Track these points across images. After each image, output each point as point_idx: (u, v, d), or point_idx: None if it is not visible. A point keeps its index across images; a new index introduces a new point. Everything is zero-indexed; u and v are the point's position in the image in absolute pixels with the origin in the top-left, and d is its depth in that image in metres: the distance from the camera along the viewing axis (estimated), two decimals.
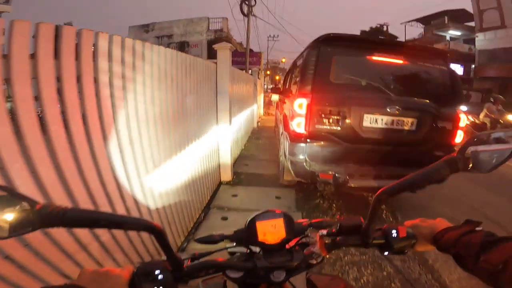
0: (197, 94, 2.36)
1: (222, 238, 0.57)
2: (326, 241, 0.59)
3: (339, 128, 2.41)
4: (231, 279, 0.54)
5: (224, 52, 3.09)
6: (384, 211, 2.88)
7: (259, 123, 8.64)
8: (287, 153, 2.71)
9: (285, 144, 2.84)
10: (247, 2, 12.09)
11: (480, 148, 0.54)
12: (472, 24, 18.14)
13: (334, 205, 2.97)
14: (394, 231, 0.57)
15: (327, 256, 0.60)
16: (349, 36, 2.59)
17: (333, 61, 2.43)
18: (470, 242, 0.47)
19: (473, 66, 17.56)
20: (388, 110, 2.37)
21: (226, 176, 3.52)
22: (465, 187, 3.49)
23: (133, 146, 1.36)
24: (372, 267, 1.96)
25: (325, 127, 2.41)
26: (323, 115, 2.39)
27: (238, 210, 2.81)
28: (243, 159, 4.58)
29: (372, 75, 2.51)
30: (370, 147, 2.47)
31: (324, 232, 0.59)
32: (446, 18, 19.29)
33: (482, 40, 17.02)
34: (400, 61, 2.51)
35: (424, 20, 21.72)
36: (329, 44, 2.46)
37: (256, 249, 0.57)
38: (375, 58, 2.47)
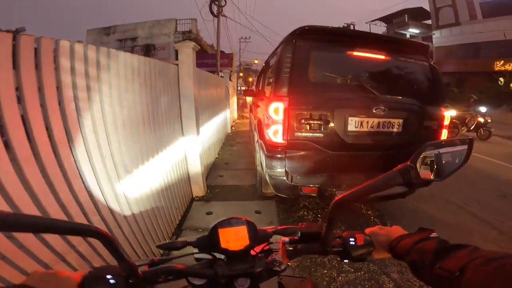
0: (152, 102, 1.97)
1: (185, 244, 0.57)
2: (288, 249, 0.60)
3: (321, 135, 2.14)
4: (194, 286, 0.55)
5: (186, 51, 2.65)
6: (372, 217, 2.74)
7: (233, 128, 8.30)
8: (264, 166, 2.41)
9: (261, 155, 2.53)
10: (216, 2, 11.73)
11: (434, 152, 0.57)
12: (429, 22, 19.52)
13: (319, 215, 2.76)
14: (352, 239, 0.58)
15: (289, 263, 0.59)
16: (328, 28, 2.27)
17: (312, 57, 2.15)
18: (424, 249, 0.47)
19: (431, 62, 18.86)
20: (374, 111, 2.15)
21: (199, 190, 3.15)
22: (446, 185, 3.46)
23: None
24: (370, 284, 1.82)
25: (306, 134, 2.13)
26: (303, 121, 2.10)
27: None
28: (217, 170, 4.21)
29: (355, 72, 2.29)
30: (357, 153, 2.24)
31: (287, 239, 0.60)
32: (406, 16, 20.52)
33: (438, 38, 18.40)
34: (383, 56, 2.31)
35: (386, 19, 23.00)
36: (306, 38, 2.17)
37: (221, 256, 0.57)
38: (357, 53, 2.23)
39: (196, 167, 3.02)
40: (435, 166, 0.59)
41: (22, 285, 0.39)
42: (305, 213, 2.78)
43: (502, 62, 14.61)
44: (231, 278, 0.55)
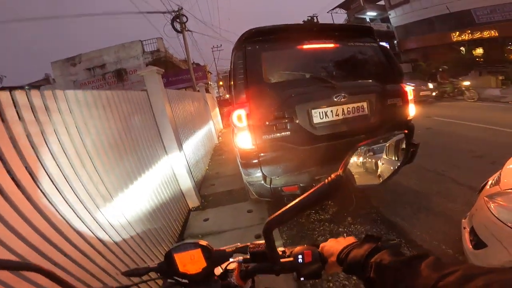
0: (130, 130, 2.13)
1: (148, 270, 0.58)
2: (242, 269, 0.58)
3: (289, 133, 2.14)
4: None
5: (151, 77, 2.82)
6: (357, 197, 2.89)
7: (220, 138, 8.42)
8: (242, 174, 2.43)
9: (238, 163, 2.55)
10: (178, 20, 11.85)
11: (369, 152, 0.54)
12: (383, 3, 20.38)
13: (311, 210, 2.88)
14: (300, 256, 0.55)
15: (243, 284, 0.58)
16: (274, 27, 2.28)
17: (263, 58, 2.17)
18: (380, 265, 0.41)
19: (395, 41, 19.77)
20: (335, 99, 2.17)
21: (193, 202, 3.33)
22: (424, 153, 3.37)
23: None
24: None
25: (274, 135, 2.12)
26: (267, 123, 2.10)
27: (212, 233, 2.67)
28: (208, 180, 4.39)
29: (308, 65, 2.31)
30: (329, 143, 2.20)
31: (241, 259, 0.59)
32: (361, 0, 21.17)
33: (394, 17, 19.30)
34: (332, 45, 2.36)
35: (345, 6, 23.59)
36: (254, 41, 2.20)
37: (186, 280, 0.57)
38: (306, 46, 2.27)
39: (186, 181, 3.18)
40: (374, 168, 0.57)
41: None
42: None
43: (457, 33, 15.51)
44: None
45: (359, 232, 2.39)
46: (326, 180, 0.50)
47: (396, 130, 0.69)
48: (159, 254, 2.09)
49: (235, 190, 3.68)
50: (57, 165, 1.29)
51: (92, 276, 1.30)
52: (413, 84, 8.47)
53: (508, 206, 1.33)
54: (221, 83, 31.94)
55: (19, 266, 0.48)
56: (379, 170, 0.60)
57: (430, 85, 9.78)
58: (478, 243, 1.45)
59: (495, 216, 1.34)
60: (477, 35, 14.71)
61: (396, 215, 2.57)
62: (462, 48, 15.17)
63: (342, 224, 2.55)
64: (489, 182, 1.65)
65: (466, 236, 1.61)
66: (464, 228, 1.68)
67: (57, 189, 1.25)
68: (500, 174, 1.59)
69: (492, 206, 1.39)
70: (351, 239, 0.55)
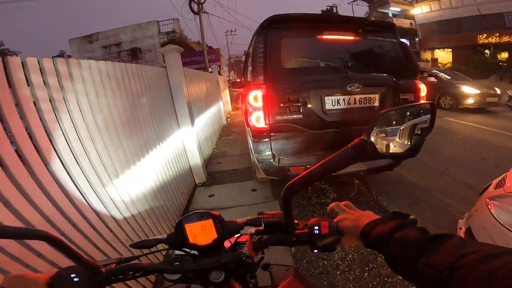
0: (148, 102, 2.25)
1: (156, 242, 0.57)
2: (254, 240, 0.57)
3: (301, 116, 2.24)
4: (169, 281, 0.55)
5: (171, 55, 2.93)
6: (360, 186, 3.00)
7: (228, 119, 8.56)
8: (252, 151, 2.54)
9: (249, 141, 2.67)
10: (196, 0, 11.74)
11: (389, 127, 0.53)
12: None
13: (311, 189, 3.00)
14: (316, 228, 0.55)
15: (256, 255, 0.58)
16: (296, 15, 2.35)
17: (283, 44, 2.26)
18: (404, 240, 0.41)
19: (417, 39, 19.07)
20: (349, 89, 2.26)
21: (200, 177, 3.46)
22: (425, 148, 3.48)
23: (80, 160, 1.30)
24: None
25: (286, 117, 2.23)
26: (282, 105, 2.21)
27: (217, 209, 2.77)
28: (215, 158, 4.52)
29: (326, 54, 2.39)
30: (338, 130, 2.31)
31: (253, 231, 0.58)
32: None
33: (419, 14, 18.51)
34: (352, 37, 2.42)
35: None
36: (276, 27, 2.28)
37: (195, 251, 0.57)
38: (326, 36, 2.35)
39: (195, 156, 3.31)
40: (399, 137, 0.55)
41: None
42: None
43: (485, 35, 14.91)
44: (205, 271, 0.55)
45: None
46: (350, 144, 0.49)
47: None
48: (166, 227, 2.19)
49: (241, 169, 3.81)
50: (76, 133, 1.30)
51: (98, 249, 1.31)
52: (476, 90, 7.33)
53: (509, 209, 1.31)
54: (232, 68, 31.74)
55: (25, 234, 0.48)
56: (401, 140, 0.59)
57: (498, 90, 7.68)
58: None
59: (495, 218, 1.32)
60: (506, 38, 14.09)
61: (394, 205, 2.65)
62: (487, 51, 14.57)
63: None
64: (493, 185, 1.63)
65: (462, 236, 1.61)
66: (460, 228, 1.68)
67: (73, 156, 1.26)
68: (505, 176, 1.57)
69: (492, 208, 1.37)
70: (371, 214, 0.55)
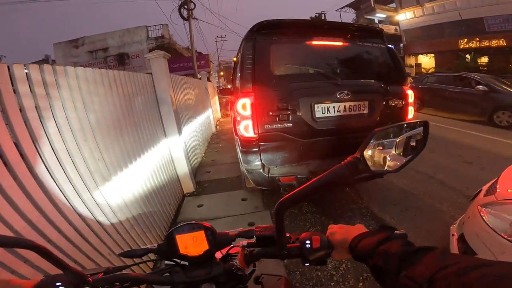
0: (132, 110, 2.15)
1: (146, 251, 0.57)
2: (246, 253, 0.57)
3: (291, 125, 2.19)
4: None
5: (157, 61, 2.84)
6: (351, 194, 3.01)
7: (217, 127, 8.45)
8: (241, 161, 2.47)
9: (238, 151, 2.59)
10: (185, 6, 11.70)
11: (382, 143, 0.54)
12: (394, 5, 20.22)
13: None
14: (308, 242, 0.55)
15: (247, 268, 0.57)
16: (285, 21, 2.30)
17: (272, 50, 2.21)
18: (388, 253, 0.42)
19: (401, 45, 19.66)
20: (338, 96, 2.23)
21: (188, 187, 3.36)
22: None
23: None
24: None
25: (276, 125, 2.17)
26: (271, 113, 2.14)
27: (206, 220, 2.68)
28: (204, 167, 4.42)
29: (315, 60, 2.36)
30: (328, 138, 2.27)
31: (245, 243, 0.58)
32: (372, 1, 20.97)
33: (404, 20, 19.14)
34: (340, 43, 2.39)
35: (355, 5, 23.38)
36: (265, 33, 2.22)
37: (186, 262, 0.57)
38: (315, 42, 2.32)
39: (183, 166, 3.21)
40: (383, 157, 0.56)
41: None
42: None
43: (465, 40, 15.47)
44: (196, 284, 0.55)
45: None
46: (343, 162, 0.49)
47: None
48: (152, 238, 2.11)
49: (231, 178, 3.73)
50: (62, 139, 1.28)
51: (86, 256, 1.30)
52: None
53: (502, 216, 1.33)
54: (222, 73, 31.77)
55: (13, 243, 0.45)
56: (397, 152, 0.60)
57: None
58: (467, 251, 1.44)
59: (488, 225, 1.33)
60: (485, 43, 14.69)
61: (385, 212, 2.63)
62: (468, 56, 15.15)
63: (333, 217, 2.61)
64: (483, 191, 1.63)
65: (455, 242, 1.60)
66: (453, 235, 1.68)
67: (59, 163, 1.24)
68: (496, 183, 1.57)
69: (485, 215, 1.39)
70: (361, 228, 0.56)
